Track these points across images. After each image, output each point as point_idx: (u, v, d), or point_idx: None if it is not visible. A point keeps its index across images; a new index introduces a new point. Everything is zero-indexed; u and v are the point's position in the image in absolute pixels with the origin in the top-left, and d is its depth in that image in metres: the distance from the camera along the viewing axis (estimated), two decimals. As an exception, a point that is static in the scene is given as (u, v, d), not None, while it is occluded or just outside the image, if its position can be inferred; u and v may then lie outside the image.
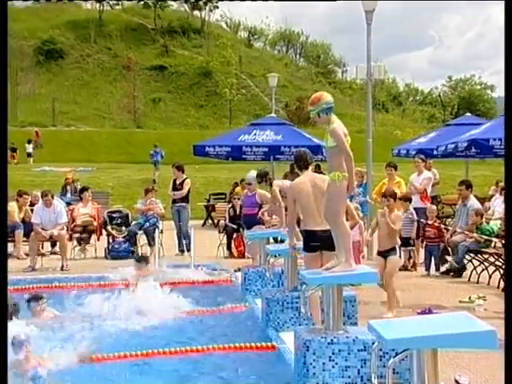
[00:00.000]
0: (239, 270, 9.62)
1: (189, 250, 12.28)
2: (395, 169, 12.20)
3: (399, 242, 8.09)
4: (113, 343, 6.36)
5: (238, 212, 13.20)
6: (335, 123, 5.41)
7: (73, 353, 5.72)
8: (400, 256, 11.54)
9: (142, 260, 9.82)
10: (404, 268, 11.10)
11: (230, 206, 13.84)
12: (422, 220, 11.15)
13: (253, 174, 10.40)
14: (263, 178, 9.50)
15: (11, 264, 8.86)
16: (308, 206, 6.28)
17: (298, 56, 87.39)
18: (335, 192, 5.35)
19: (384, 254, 7.97)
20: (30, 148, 40.90)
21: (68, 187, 19.32)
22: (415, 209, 11.45)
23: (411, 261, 11.22)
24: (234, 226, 13.11)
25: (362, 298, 7.68)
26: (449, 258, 10.42)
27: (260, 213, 10.42)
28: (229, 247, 13.26)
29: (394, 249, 8.04)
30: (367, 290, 8.07)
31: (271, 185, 9.31)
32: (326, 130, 5.52)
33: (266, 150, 17.07)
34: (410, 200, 11.26)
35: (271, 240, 9.81)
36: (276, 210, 9.04)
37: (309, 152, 6.92)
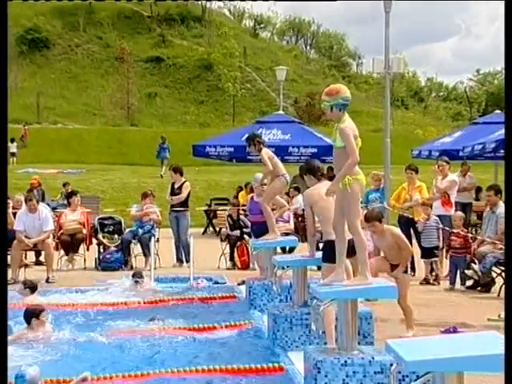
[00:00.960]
0: (243, 282, 9.62)
1: (188, 261, 12.30)
2: (416, 172, 12.19)
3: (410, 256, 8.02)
4: (109, 363, 6.40)
5: (236, 218, 13.27)
6: (346, 122, 5.49)
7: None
8: (410, 271, 11.52)
9: (137, 276, 10.01)
10: (426, 282, 11.09)
11: (227, 214, 13.92)
12: (446, 228, 11.13)
13: (259, 176, 10.41)
14: (252, 141, 9.27)
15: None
16: (329, 215, 6.27)
17: (308, 47, 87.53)
18: (347, 199, 5.44)
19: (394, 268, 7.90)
20: (13, 147, 40.98)
21: (35, 192, 17.66)
22: (438, 216, 11.45)
23: (433, 273, 11.21)
24: (237, 234, 13.11)
25: (379, 314, 7.67)
26: (475, 267, 10.38)
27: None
28: (232, 257, 13.28)
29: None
30: (384, 306, 8.05)
31: (260, 150, 9.14)
32: (335, 128, 5.61)
33: (273, 150, 17.08)
34: (430, 205, 11.27)
35: (278, 250, 9.83)
36: (269, 176, 9.13)
37: (316, 160, 7.25)
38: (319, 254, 6.79)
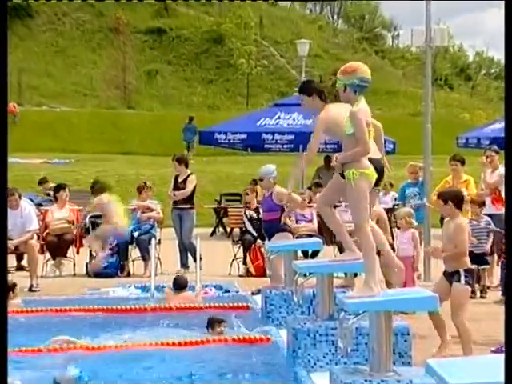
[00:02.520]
0: (259, 291, 9.65)
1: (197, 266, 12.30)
2: (462, 163, 12.17)
3: (468, 264, 7.78)
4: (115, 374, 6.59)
5: (256, 217, 13.26)
6: (359, 106, 5.57)
7: None
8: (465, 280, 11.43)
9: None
10: (472, 292, 11.06)
11: (244, 211, 13.90)
12: (498, 230, 11.07)
13: (270, 167, 10.44)
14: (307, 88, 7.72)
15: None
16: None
17: (335, 17, 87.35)
18: (353, 197, 5.56)
19: (449, 277, 7.82)
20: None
21: None
22: (488, 216, 11.41)
23: (480, 283, 11.16)
24: (255, 234, 13.12)
25: (417, 330, 7.67)
26: None
27: (282, 217, 10.46)
28: (245, 262, 13.32)
29: (459, 272, 7.83)
30: (422, 320, 8.06)
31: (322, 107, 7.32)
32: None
33: (293, 137, 17.16)
34: (482, 204, 11.22)
35: (299, 254, 9.85)
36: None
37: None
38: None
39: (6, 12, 4.89)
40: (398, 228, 10.55)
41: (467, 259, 7.72)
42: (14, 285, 9.81)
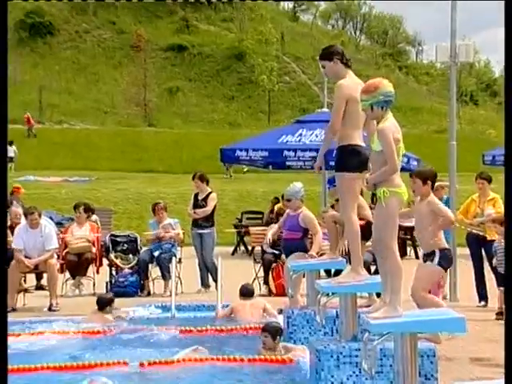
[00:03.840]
0: (281, 311, 9.62)
1: (217, 286, 12.28)
2: (489, 181, 12.07)
3: (444, 244, 7.86)
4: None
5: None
6: (387, 122, 5.61)
7: None
8: (481, 300, 11.29)
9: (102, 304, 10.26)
10: (501, 313, 10.95)
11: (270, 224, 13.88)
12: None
13: (297, 187, 10.45)
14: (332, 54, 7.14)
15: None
16: None
17: (358, 32, 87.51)
18: (383, 215, 5.58)
19: (426, 257, 7.92)
20: (11, 151, 41.59)
21: (14, 200, 15.89)
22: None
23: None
24: (276, 252, 13.07)
25: (444, 352, 7.60)
26: None
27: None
28: (266, 281, 13.28)
29: (434, 253, 7.90)
30: (449, 342, 7.98)
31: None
32: (375, 128, 5.72)
33: (315, 154, 17.01)
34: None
35: (322, 273, 9.80)
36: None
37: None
38: (372, 278, 6.77)
39: (6, 12, 4.96)
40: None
41: (443, 238, 7.87)
42: (112, 300, 10.22)
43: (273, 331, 8.00)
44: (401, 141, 5.71)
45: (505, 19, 4.46)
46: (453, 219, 7.70)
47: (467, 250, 12.00)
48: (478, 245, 11.62)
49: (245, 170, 36.20)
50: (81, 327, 9.66)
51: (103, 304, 10.17)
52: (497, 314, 10.84)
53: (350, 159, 6.71)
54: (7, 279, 3.63)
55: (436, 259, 7.68)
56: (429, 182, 7.85)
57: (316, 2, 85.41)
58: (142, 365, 7.51)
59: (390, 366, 5.97)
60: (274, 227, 11.61)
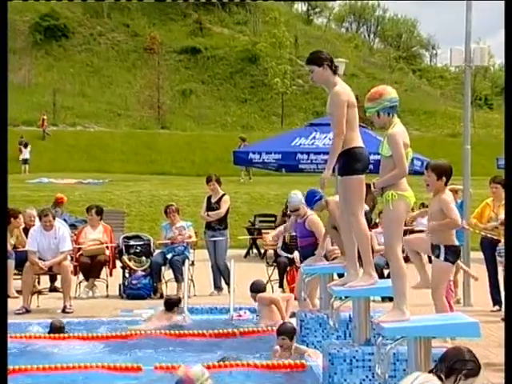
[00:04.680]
0: (294, 315, 9.62)
1: (230, 289, 12.31)
2: (503, 186, 12.04)
3: (452, 242, 7.61)
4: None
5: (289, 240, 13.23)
6: (396, 127, 5.72)
7: None
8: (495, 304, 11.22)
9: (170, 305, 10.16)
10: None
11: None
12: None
13: (298, 195, 10.40)
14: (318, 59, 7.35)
15: None
16: None
17: (372, 35, 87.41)
18: (389, 217, 5.67)
19: (433, 249, 7.69)
20: (26, 153, 41.71)
21: (58, 210, 16.63)
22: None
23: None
24: (290, 256, 13.04)
25: (458, 356, 7.57)
26: None
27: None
28: (281, 284, 13.27)
29: (439, 247, 7.72)
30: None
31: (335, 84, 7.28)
32: (384, 134, 5.80)
33: (328, 157, 17.10)
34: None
35: (335, 276, 9.76)
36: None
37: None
38: (383, 282, 6.78)
39: (6, 12, 5.07)
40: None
41: (453, 235, 7.63)
42: (179, 300, 10.50)
43: (290, 332, 8.05)
44: (409, 145, 5.80)
45: (505, 19, 4.55)
46: (458, 223, 7.54)
47: (481, 255, 11.97)
48: (492, 249, 11.59)
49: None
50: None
51: (171, 305, 10.25)
52: (502, 319, 10.82)
53: (356, 162, 6.80)
54: (7, 279, 3.64)
55: (442, 255, 7.56)
56: (443, 178, 7.64)
57: (330, 4, 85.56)
58: (157, 368, 7.53)
59: (404, 370, 5.96)
60: (279, 229, 11.58)
